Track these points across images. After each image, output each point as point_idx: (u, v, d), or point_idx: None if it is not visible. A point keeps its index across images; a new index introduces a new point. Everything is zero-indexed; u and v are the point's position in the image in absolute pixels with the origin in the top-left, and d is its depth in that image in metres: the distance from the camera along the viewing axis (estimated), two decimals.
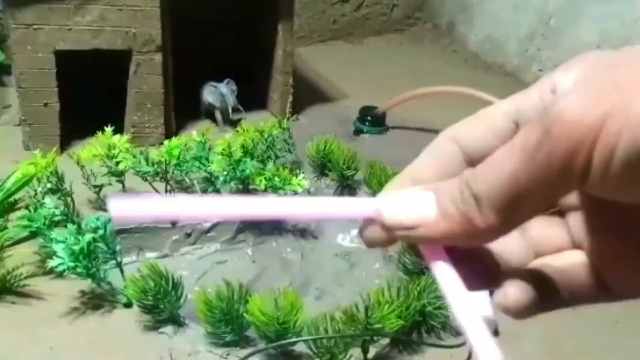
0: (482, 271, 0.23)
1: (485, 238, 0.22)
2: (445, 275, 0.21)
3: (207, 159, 0.74)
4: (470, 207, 0.21)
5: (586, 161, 0.19)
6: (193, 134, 0.76)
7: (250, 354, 0.52)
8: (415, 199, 0.22)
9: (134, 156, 0.72)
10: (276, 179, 0.74)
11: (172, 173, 0.74)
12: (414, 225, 0.21)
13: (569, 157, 0.19)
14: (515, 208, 0.20)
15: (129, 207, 0.29)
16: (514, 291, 0.22)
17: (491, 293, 0.40)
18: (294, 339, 0.51)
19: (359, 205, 0.23)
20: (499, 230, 0.21)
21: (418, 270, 0.62)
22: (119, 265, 0.61)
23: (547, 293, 0.22)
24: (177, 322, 0.57)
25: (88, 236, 0.57)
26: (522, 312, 0.21)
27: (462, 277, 0.21)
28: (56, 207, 0.64)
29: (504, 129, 0.23)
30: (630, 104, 0.18)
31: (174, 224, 0.75)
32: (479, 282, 0.23)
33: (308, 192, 0.82)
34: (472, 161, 0.24)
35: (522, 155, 0.20)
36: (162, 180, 0.74)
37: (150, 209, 0.27)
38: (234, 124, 0.96)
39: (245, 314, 0.54)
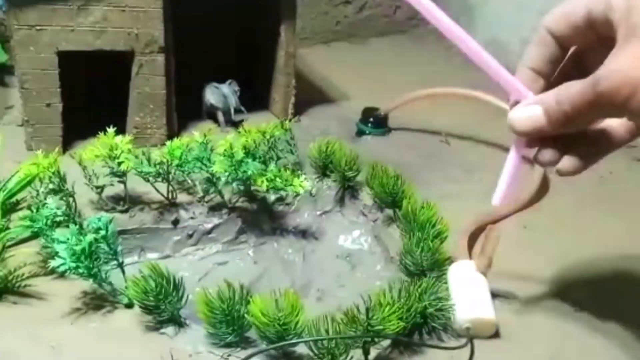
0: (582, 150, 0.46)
1: (559, 132, 0.43)
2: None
3: (208, 160, 0.74)
4: (559, 114, 0.42)
5: (623, 109, 0.40)
6: (195, 134, 0.76)
7: (251, 355, 0.52)
8: (531, 111, 0.43)
9: (136, 157, 0.72)
10: (278, 180, 0.74)
11: (174, 174, 0.74)
12: (530, 129, 0.44)
13: (605, 106, 0.40)
14: (577, 119, 0.42)
15: None
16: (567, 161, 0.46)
17: (492, 295, 0.52)
18: (294, 340, 0.51)
19: (515, 84, 0.45)
20: (570, 128, 0.43)
21: (419, 272, 0.62)
22: (121, 265, 0.61)
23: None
24: (178, 322, 0.57)
25: (90, 236, 0.57)
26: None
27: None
28: (58, 208, 0.65)
29: (580, 22, 0.43)
30: None
31: (175, 224, 0.76)
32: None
33: (310, 194, 0.83)
34: (562, 42, 0.45)
35: (584, 95, 0.41)
36: (164, 181, 0.74)
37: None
38: (236, 124, 0.96)
39: (246, 315, 0.53)
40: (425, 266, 0.62)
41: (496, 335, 0.59)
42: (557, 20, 0.45)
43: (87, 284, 0.60)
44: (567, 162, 0.45)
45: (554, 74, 0.47)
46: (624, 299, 0.65)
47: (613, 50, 0.40)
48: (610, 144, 0.47)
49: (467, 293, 0.59)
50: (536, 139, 0.46)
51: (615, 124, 0.47)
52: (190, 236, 0.76)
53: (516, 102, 0.45)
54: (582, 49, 0.46)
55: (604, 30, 0.42)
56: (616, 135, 0.47)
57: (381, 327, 0.51)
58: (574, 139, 0.45)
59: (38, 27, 0.81)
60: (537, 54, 0.46)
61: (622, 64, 0.39)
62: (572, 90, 0.41)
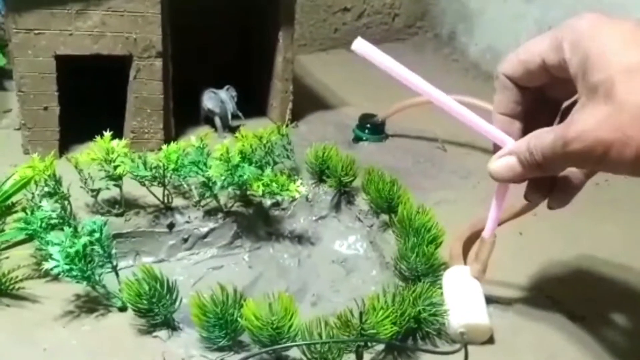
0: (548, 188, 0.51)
1: (537, 175, 0.48)
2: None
3: (205, 164, 0.74)
4: (532, 162, 0.46)
5: (594, 166, 0.43)
6: (191, 139, 0.76)
7: (244, 359, 0.52)
8: (507, 161, 0.48)
9: (132, 160, 0.72)
10: (274, 184, 0.74)
11: (170, 178, 0.74)
12: (509, 177, 0.48)
13: (576, 162, 0.45)
14: (550, 167, 0.45)
15: (369, 50, 0.49)
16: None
17: (487, 302, 0.54)
18: (287, 344, 0.51)
19: (494, 133, 0.50)
20: (545, 173, 0.47)
21: (414, 277, 0.61)
22: (114, 268, 0.61)
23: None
24: (171, 326, 0.57)
25: (84, 239, 0.57)
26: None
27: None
28: (53, 210, 0.64)
29: (535, 68, 0.47)
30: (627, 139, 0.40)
31: (170, 228, 0.76)
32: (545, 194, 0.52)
33: (306, 199, 0.83)
34: (522, 85, 0.49)
35: (554, 150, 0.43)
36: (160, 185, 0.74)
37: (383, 61, 0.50)
38: (233, 130, 0.97)
39: (239, 319, 0.53)
40: (420, 271, 0.62)
41: (489, 341, 0.59)
42: (514, 67, 0.48)
43: (81, 287, 0.60)
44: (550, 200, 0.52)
45: (524, 114, 0.50)
46: (619, 306, 0.65)
47: (578, 107, 0.42)
48: (573, 188, 0.52)
49: (461, 298, 0.59)
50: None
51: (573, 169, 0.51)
52: (186, 240, 0.76)
53: (497, 147, 0.51)
54: (541, 86, 0.49)
55: (560, 74, 0.45)
56: (576, 178, 0.51)
57: (374, 331, 0.51)
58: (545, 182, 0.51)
59: (36, 31, 0.81)
60: (503, 100, 0.50)
61: (590, 124, 0.41)
62: (543, 143, 0.44)
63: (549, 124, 0.51)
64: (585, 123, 0.41)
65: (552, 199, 0.52)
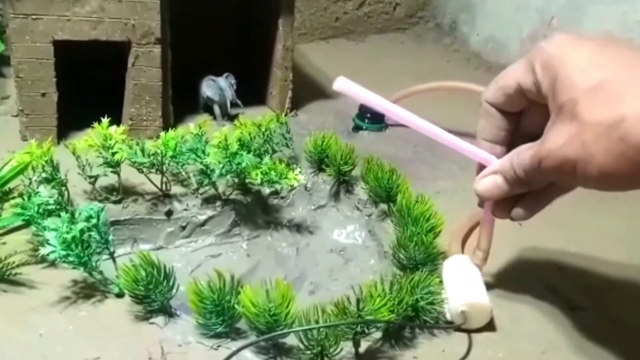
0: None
1: (524, 191, 0.51)
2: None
3: (203, 152, 0.73)
4: (516, 179, 0.49)
5: (567, 181, 0.48)
6: (190, 126, 0.76)
7: (240, 349, 0.51)
8: (493, 180, 0.51)
9: (130, 147, 0.72)
10: (272, 173, 0.74)
11: (168, 165, 0.74)
12: (496, 194, 0.52)
13: (552, 177, 0.48)
14: (533, 181, 0.49)
15: (351, 88, 0.51)
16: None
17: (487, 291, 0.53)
18: (284, 331, 0.50)
19: (477, 154, 0.53)
20: (530, 187, 0.50)
21: (412, 266, 0.61)
22: (112, 255, 0.60)
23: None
24: (168, 312, 0.57)
25: (81, 224, 0.57)
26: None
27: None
28: (50, 197, 0.64)
29: (513, 93, 0.49)
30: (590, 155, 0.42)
31: (168, 215, 0.75)
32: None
33: (305, 188, 0.82)
34: (504, 110, 0.51)
35: (532, 166, 0.47)
36: (158, 172, 0.74)
37: (366, 97, 0.51)
38: (232, 118, 0.96)
39: (236, 306, 0.53)
40: (419, 260, 0.62)
41: (488, 329, 0.58)
42: (494, 94, 0.51)
43: (78, 273, 0.59)
44: (515, 212, 0.54)
45: (509, 138, 0.53)
46: (619, 297, 0.65)
47: (549, 125, 0.45)
48: (550, 197, 0.53)
49: (462, 282, 0.59)
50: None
51: None
52: (184, 228, 0.76)
53: (482, 167, 0.53)
54: (522, 110, 0.52)
55: (535, 97, 0.47)
56: (555, 189, 0.53)
57: (372, 318, 0.51)
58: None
59: (34, 17, 0.80)
60: (486, 126, 0.53)
61: (557, 142, 0.44)
62: (524, 161, 0.48)
63: None
64: (554, 141, 0.44)
65: (516, 213, 0.54)
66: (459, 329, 0.57)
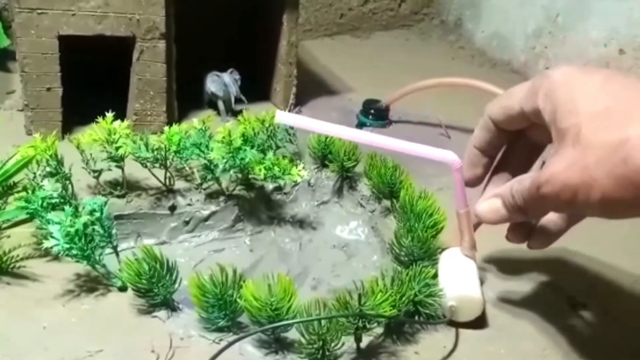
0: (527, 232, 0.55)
1: (522, 219, 0.52)
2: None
3: (206, 147, 0.73)
4: (514, 206, 0.49)
5: (567, 208, 0.49)
6: (194, 121, 0.76)
7: (239, 338, 0.52)
8: (492, 204, 0.51)
9: (134, 142, 0.72)
10: (275, 168, 0.74)
11: (172, 160, 0.74)
12: (494, 219, 0.52)
13: (551, 205, 0.46)
14: (532, 210, 0.48)
15: (291, 119, 0.57)
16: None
17: (487, 290, 0.54)
18: (284, 322, 0.51)
19: (435, 154, 0.55)
20: (528, 216, 0.50)
21: (411, 261, 0.61)
22: (115, 249, 0.61)
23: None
24: (170, 306, 0.57)
25: (84, 218, 0.57)
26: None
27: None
28: (54, 190, 0.64)
29: (515, 114, 0.50)
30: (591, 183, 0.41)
31: (172, 210, 0.75)
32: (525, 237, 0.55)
33: (308, 184, 0.82)
34: (503, 128, 0.52)
35: (531, 193, 0.46)
36: (162, 167, 0.74)
37: (306, 123, 0.55)
38: (236, 114, 0.96)
39: (238, 300, 0.53)
40: (417, 256, 0.62)
41: (487, 326, 0.59)
42: (497, 112, 0.52)
43: (81, 267, 0.60)
44: (532, 242, 0.56)
45: (497, 153, 0.55)
46: (620, 294, 0.65)
47: (552, 150, 0.45)
48: (563, 226, 0.55)
49: (451, 275, 0.59)
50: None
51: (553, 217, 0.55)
52: (187, 223, 0.76)
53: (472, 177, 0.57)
54: (524, 129, 0.53)
55: (538, 120, 0.48)
56: (555, 225, 0.55)
57: (374, 313, 0.51)
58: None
59: (39, 11, 0.80)
60: (481, 137, 0.54)
61: (559, 167, 0.43)
62: (523, 187, 0.47)
63: (529, 162, 0.56)
64: (555, 167, 0.43)
65: (532, 241, 0.55)
66: (451, 323, 0.57)
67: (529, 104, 0.47)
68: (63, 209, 0.59)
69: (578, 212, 0.51)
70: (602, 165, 0.40)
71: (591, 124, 0.41)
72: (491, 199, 0.51)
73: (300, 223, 0.80)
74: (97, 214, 0.59)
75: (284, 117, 0.55)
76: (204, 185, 0.77)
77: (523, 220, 0.53)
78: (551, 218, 0.55)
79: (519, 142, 0.55)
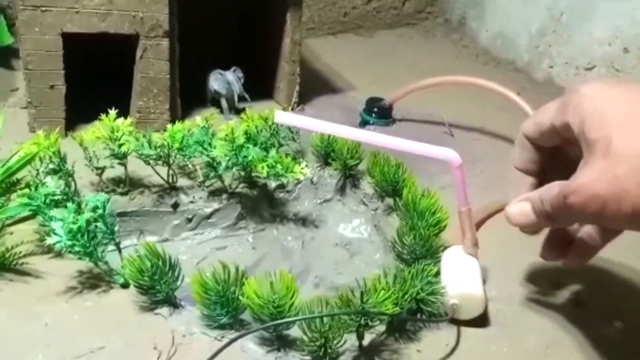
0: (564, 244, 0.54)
1: (550, 226, 0.52)
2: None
3: (209, 144, 0.73)
4: (542, 211, 0.48)
5: (594, 220, 0.47)
6: (197, 119, 0.76)
7: (241, 335, 0.52)
8: (522, 207, 0.50)
9: (137, 139, 0.72)
10: (278, 166, 0.74)
11: (175, 157, 0.74)
12: (523, 222, 0.50)
13: (577, 215, 0.44)
14: (559, 218, 0.47)
15: (291, 119, 0.56)
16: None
17: (490, 288, 0.62)
18: (286, 320, 0.51)
19: (436, 151, 0.57)
20: (555, 224, 0.50)
21: (413, 260, 0.61)
22: (117, 245, 0.61)
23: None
24: (172, 303, 0.57)
25: (87, 214, 0.57)
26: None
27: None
28: (57, 187, 0.64)
29: (546, 131, 0.49)
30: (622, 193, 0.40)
31: (175, 207, 0.75)
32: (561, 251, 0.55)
33: (311, 182, 0.82)
34: (538, 144, 0.52)
35: (559, 201, 0.45)
36: (165, 164, 0.74)
37: (306, 123, 0.54)
38: (239, 112, 0.96)
39: (240, 297, 0.53)
40: (419, 254, 0.62)
41: (489, 324, 0.58)
42: (531, 129, 0.51)
43: (83, 264, 0.60)
44: (568, 261, 0.55)
45: (540, 169, 0.53)
46: (622, 293, 0.65)
47: (581, 162, 0.44)
48: (587, 250, 0.54)
49: (453, 273, 0.59)
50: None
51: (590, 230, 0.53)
52: (190, 220, 0.76)
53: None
54: (559, 145, 0.52)
55: (568, 136, 0.47)
56: (592, 240, 0.53)
57: (376, 310, 0.51)
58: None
59: (43, 8, 0.80)
60: (520, 157, 0.53)
61: (588, 178, 0.42)
62: (552, 193, 0.46)
63: (567, 179, 0.53)
64: (584, 177, 0.42)
65: (569, 260, 0.54)
66: (453, 320, 0.57)
67: (559, 119, 0.47)
68: (66, 206, 0.59)
69: (605, 225, 0.49)
70: (633, 175, 0.39)
71: (622, 135, 0.41)
72: (521, 202, 0.50)
73: (303, 221, 0.80)
74: (100, 211, 0.59)
75: (283, 117, 0.55)
76: (207, 183, 0.77)
77: (551, 227, 0.52)
78: (587, 231, 0.53)
79: (556, 159, 0.54)
